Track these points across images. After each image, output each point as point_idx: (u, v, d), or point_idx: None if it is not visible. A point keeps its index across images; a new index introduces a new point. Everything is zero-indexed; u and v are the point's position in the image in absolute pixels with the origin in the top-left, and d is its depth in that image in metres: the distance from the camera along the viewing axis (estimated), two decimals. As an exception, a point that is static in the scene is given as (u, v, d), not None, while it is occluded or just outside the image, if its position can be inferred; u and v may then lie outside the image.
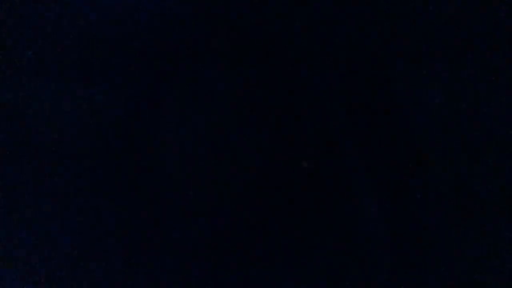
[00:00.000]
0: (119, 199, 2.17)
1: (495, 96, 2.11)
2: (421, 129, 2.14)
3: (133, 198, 2.17)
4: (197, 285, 2.12)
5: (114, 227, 2.15)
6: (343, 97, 2.18)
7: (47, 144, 2.18)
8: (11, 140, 2.19)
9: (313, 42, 2.20)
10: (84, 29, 2.21)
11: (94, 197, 2.17)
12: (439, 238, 2.10)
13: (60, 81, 2.21)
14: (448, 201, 2.11)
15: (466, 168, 2.11)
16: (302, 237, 2.13)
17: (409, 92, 2.16)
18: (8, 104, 2.20)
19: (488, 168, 2.10)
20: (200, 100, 2.20)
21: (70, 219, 2.16)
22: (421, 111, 2.14)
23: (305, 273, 2.12)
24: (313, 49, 2.20)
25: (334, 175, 2.15)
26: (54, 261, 2.14)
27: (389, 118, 2.15)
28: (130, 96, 2.21)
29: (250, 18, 2.21)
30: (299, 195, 2.14)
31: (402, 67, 2.17)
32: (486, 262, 2.07)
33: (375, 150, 2.15)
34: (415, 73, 2.15)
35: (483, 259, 2.07)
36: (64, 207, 2.16)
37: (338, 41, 2.18)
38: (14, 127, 2.19)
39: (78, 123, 2.20)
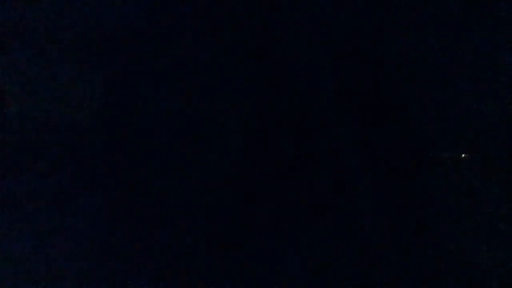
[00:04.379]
0: (114, 192, 2.18)
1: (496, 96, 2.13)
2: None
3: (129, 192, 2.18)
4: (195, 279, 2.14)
5: (112, 223, 2.16)
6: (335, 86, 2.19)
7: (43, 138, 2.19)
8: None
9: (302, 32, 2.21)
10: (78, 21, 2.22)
11: (90, 195, 2.17)
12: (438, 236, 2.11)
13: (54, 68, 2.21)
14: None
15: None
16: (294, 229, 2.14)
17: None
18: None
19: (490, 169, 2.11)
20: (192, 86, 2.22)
21: (68, 216, 2.16)
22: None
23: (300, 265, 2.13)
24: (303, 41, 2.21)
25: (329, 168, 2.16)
26: (54, 261, 2.14)
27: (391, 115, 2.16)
28: (123, 89, 2.22)
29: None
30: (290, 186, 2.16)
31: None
32: (486, 260, 2.08)
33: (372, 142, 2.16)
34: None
35: (484, 255, 2.08)
36: (61, 202, 2.16)
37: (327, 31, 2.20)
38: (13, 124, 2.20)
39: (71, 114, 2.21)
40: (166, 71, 2.22)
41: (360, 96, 2.17)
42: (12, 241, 2.14)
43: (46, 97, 2.21)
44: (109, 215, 2.17)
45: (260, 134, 2.20)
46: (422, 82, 2.17)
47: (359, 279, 2.11)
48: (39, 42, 2.22)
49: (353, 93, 2.18)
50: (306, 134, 2.18)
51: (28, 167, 2.17)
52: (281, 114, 2.19)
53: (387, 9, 2.18)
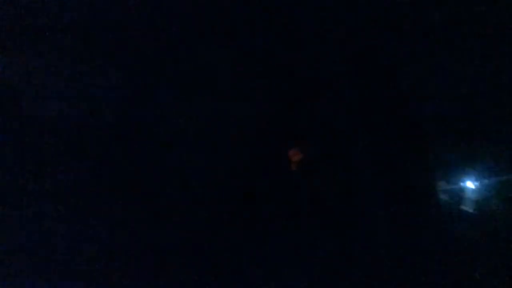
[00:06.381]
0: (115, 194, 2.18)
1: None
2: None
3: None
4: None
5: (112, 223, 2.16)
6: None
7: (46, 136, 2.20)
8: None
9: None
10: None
11: (92, 193, 2.17)
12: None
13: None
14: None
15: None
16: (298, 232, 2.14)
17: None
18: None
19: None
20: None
21: (68, 216, 2.16)
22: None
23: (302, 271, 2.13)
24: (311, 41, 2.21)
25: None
26: (54, 261, 2.14)
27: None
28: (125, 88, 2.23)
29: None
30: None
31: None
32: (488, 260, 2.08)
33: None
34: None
35: (486, 257, 2.08)
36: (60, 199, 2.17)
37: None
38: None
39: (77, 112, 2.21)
40: (169, 70, 2.23)
41: (368, 97, 2.18)
42: (13, 239, 2.15)
43: (51, 96, 2.22)
44: (110, 214, 2.17)
45: (264, 135, 2.20)
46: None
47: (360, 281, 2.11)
48: (42, 41, 2.23)
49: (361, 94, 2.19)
50: (311, 135, 2.19)
51: (31, 166, 2.18)
52: (285, 115, 2.20)
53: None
